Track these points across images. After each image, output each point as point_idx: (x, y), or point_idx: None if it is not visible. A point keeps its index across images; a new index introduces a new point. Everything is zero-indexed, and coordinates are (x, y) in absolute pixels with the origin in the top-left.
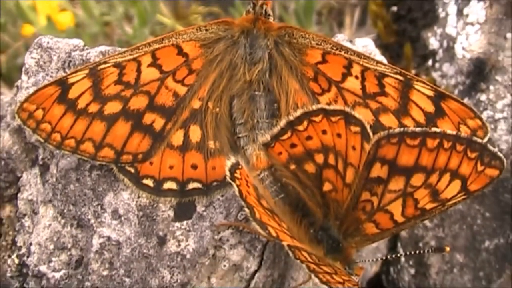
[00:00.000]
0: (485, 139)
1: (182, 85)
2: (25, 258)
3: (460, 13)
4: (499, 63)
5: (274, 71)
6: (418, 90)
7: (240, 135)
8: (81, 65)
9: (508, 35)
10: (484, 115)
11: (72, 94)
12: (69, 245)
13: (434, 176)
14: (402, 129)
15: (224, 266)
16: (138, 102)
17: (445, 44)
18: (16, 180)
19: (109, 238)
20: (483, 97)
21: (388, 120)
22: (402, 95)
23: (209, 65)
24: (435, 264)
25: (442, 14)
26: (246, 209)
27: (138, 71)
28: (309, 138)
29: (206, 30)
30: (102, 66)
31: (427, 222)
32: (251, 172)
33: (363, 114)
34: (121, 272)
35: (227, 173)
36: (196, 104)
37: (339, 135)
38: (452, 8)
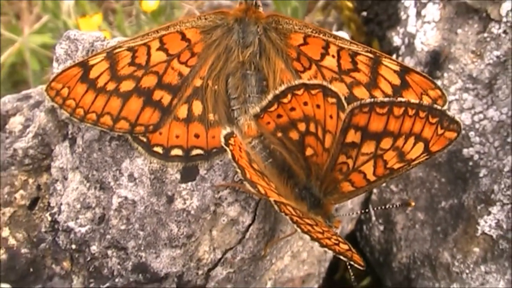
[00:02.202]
0: (444, 107)
1: (186, 66)
2: (56, 216)
3: (418, 14)
4: (452, 54)
5: (263, 53)
6: (386, 66)
7: (234, 108)
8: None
9: (459, 31)
10: None
11: (93, 74)
12: (93, 205)
13: (401, 140)
14: (372, 99)
15: (223, 220)
16: (149, 81)
17: (406, 40)
18: (50, 152)
19: (126, 198)
20: (439, 82)
21: (360, 92)
22: (372, 70)
23: (208, 49)
24: (400, 221)
25: (404, 16)
26: (238, 170)
27: (148, 54)
28: (292, 109)
29: (205, 19)
30: (117, 50)
31: (393, 187)
32: (244, 140)
33: (338, 88)
34: (136, 226)
35: (222, 140)
36: (197, 82)
37: (318, 106)
38: (412, 11)
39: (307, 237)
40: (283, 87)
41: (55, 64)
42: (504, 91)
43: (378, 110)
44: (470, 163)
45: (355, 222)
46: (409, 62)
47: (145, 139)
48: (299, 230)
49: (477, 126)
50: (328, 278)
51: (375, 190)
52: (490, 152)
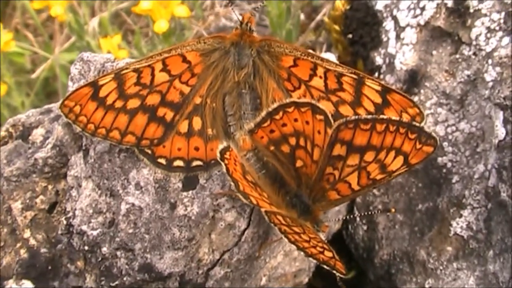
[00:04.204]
0: (422, 123)
1: (187, 85)
2: (71, 220)
3: (398, 37)
4: (427, 73)
5: (257, 74)
6: (369, 86)
7: (230, 124)
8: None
9: (434, 52)
10: None
11: (102, 93)
12: (104, 210)
13: (383, 153)
14: (356, 116)
15: (221, 225)
16: (153, 99)
17: (387, 60)
18: (67, 161)
19: (133, 205)
20: (416, 98)
21: (345, 110)
22: (356, 90)
23: (207, 70)
24: (382, 222)
25: (385, 39)
26: (232, 183)
27: (152, 75)
28: (284, 125)
29: (205, 42)
30: (124, 71)
31: (375, 191)
32: (239, 153)
33: (325, 106)
34: (142, 230)
35: (218, 154)
36: (197, 100)
37: (307, 122)
38: (392, 34)
39: (294, 246)
40: (275, 105)
41: (70, 83)
42: (474, 106)
43: (362, 126)
44: (444, 170)
45: (341, 223)
46: (389, 79)
47: (150, 152)
48: (286, 240)
49: (450, 137)
50: (317, 272)
51: None
52: (462, 160)
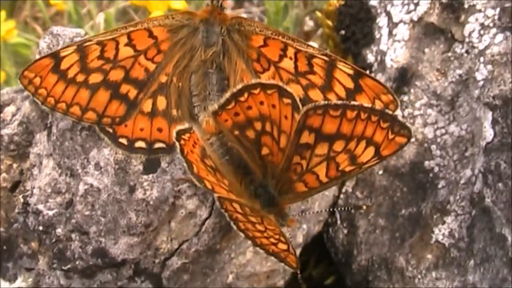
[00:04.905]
0: (396, 112)
1: (152, 62)
2: (28, 198)
3: (390, 33)
4: (418, 72)
5: (226, 53)
6: (340, 69)
7: (195, 104)
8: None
9: (426, 50)
10: (405, 112)
11: (63, 65)
12: (63, 190)
13: (353, 143)
14: (326, 102)
15: (182, 213)
16: (116, 75)
17: (379, 58)
18: (33, 139)
19: (91, 185)
20: (405, 98)
21: (315, 94)
22: (327, 73)
23: (174, 47)
24: (363, 226)
25: (377, 36)
26: (185, 164)
27: (117, 49)
28: (249, 108)
29: (173, 18)
30: (87, 43)
31: (359, 193)
32: (203, 136)
33: (294, 89)
34: (99, 212)
35: (174, 134)
36: (163, 78)
37: (273, 106)
38: (384, 30)
39: (242, 234)
40: (240, 86)
41: (37, 57)
42: (465, 108)
43: (332, 112)
44: (431, 175)
45: (322, 225)
46: (381, 77)
47: (111, 130)
48: (235, 227)
49: (439, 140)
50: (296, 275)
51: (341, 195)
52: (449, 165)
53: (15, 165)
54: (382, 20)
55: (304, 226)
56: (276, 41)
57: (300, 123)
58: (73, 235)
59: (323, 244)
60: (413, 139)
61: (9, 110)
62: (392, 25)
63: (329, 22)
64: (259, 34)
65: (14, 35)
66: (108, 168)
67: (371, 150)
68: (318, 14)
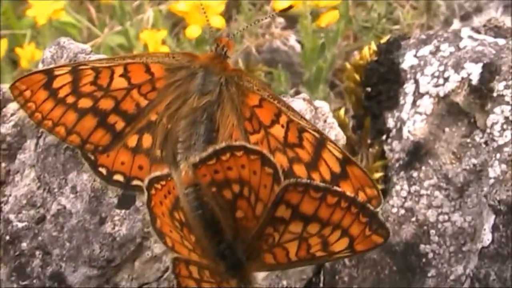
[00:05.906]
0: (378, 209)
1: (145, 98)
2: (3, 205)
3: (414, 103)
4: (434, 150)
5: (220, 105)
6: (330, 150)
7: (178, 151)
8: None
9: (446, 129)
10: (412, 189)
11: (56, 84)
12: (38, 204)
13: (327, 229)
14: (308, 181)
15: (148, 255)
16: (106, 104)
17: (398, 125)
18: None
19: (64, 207)
20: (415, 174)
21: (299, 170)
22: (315, 151)
23: (169, 87)
24: None
25: (402, 102)
26: (149, 216)
27: (111, 78)
28: (229, 168)
29: (173, 57)
30: (82, 67)
31: (347, 261)
32: (180, 185)
33: (280, 160)
34: (65, 236)
35: (146, 181)
36: (153, 116)
37: (254, 172)
38: (409, 98)
39: None
40: (223, 144)
41: (40, 65)
42: (473, 200)
43: (312, 193)
44: (423, 260)
45: (304, 283)
46: (396, 146)
47: (92, 158)
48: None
49: (439, 226)
50: None
51: None
52: (444, 255)
53: (3, 165)
54: (409, 87)
55: (284, 282)
56: (271, 104)
57: (279, 196)
58: (36, 252)
59: None
60: (413, 219)
61: (11, 106)
62: (418, 95)
63: (357, 76)
64: (256, 93)
65: (62, 15)
66: (84, 194)
67: (344, 241)
68: (347, 65)
